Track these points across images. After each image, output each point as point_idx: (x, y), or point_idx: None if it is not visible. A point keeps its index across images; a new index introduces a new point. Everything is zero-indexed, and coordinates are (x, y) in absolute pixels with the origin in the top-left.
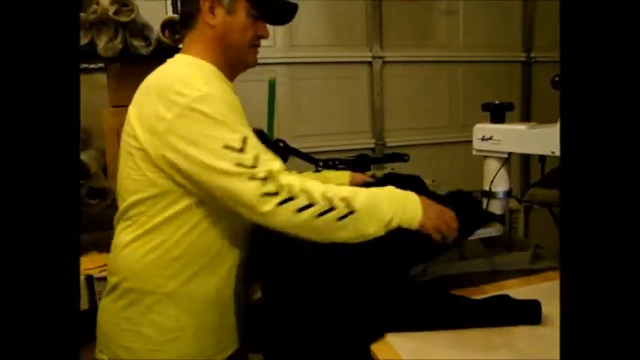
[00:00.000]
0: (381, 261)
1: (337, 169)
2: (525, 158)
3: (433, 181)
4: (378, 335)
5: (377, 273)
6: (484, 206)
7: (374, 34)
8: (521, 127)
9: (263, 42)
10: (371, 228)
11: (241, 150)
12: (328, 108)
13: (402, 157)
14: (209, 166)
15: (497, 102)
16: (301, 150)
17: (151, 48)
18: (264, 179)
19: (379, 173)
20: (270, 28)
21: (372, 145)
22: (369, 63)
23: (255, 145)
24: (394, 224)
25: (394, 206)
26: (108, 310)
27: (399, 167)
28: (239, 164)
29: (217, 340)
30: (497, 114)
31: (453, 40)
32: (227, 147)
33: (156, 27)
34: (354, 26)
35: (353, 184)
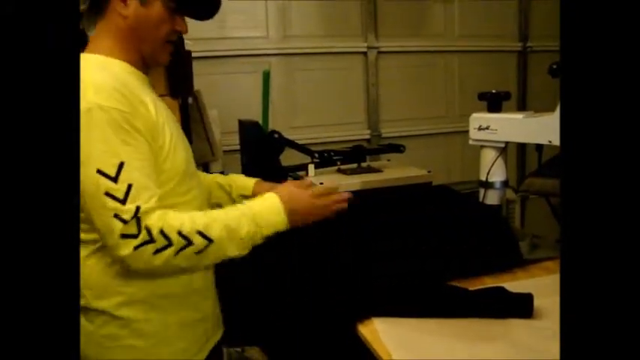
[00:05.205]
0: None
1: (332, 160)
2: (521, 148)
3: (429, 171)
4: (364, 317)
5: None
6: (480, 197)
7: (369, 24)
8: (518, 116)
9: (256, 33)
10: (232, 251)
11: (115, 179)
12: (323, 99)
13: (397, 148)
14: (83, 189)
15: (493, 91)
16: (296, 142)
17: None
18: (127, 221)
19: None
20: (263, 18)
21: (368, 136)
22: (364, 53)
23: (132, 173)
24: (258, 239)
25: (255, 222)
26: (84, 332)
27: (395, 158)
28: (108, 194)
29: (204, 329)
30: (494, 103)
31: (449, 29)
32: (100, 172)
33: None
34: (349, 16)
35: (256, 192)
